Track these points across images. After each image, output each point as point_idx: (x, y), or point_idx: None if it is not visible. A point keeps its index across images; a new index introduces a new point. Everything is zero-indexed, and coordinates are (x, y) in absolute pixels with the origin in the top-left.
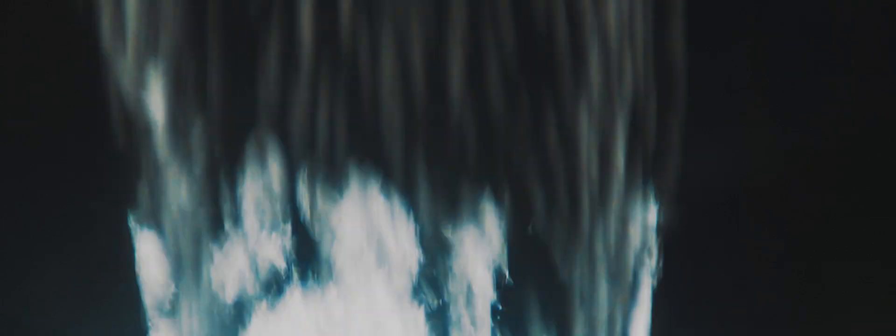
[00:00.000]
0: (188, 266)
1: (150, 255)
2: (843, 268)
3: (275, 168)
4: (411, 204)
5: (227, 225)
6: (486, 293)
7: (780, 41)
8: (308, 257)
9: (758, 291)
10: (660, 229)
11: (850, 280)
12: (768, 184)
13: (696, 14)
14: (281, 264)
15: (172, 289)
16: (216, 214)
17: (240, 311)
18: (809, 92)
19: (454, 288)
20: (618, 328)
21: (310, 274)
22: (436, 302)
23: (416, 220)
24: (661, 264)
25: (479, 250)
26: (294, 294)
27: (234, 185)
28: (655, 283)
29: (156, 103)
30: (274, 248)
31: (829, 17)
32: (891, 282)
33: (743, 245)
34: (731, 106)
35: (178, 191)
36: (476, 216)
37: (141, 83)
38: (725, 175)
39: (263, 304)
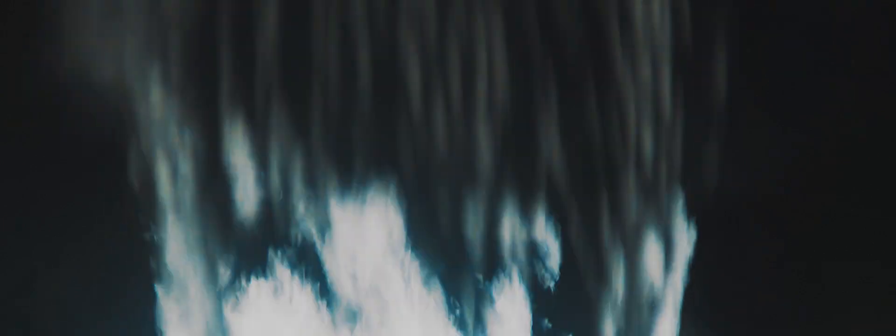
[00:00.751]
0: (200, 267)
1: (162, 260)
2: (843, 268)
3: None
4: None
5: (237, 221)
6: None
7: (780, 41)
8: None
9: (758, 291)
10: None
11: (850, 280)
12: (768, 184)
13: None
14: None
15: (183, 288)
16: (223, 211)
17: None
18: (809, 92)
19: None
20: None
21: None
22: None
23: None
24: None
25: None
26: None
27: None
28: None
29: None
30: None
31: (829, 17)
32: (891, 282)
33: (743, 245)
34: (730, 106)
35: (188, 193)
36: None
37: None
38: (725, 176)
39: (272, 303)
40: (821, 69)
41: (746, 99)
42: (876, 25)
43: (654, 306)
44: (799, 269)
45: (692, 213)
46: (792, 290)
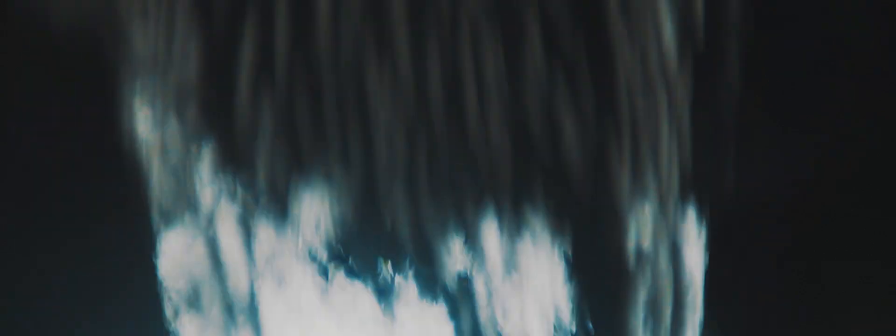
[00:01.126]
0: (206, 266)
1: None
2: (843, 268)
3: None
4: None
5: (243, 220)
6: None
7: (780, 41)
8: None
9: (758, 291)
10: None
11: (850, 280)
12: (767, 185)
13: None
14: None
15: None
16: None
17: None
18: (809, 92)
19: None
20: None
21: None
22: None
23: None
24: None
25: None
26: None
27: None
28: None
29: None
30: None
31: (829, 17)
32: (891, 282)
33: (743, 245)
34: (731, 107)
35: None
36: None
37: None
38: (724, 176)
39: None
40: (821, 69)
41: (746, 99)
42: (876, 25)
43: (675, 307)
44: (799, 269)
45: (697, 215)
46: (792, 290)
